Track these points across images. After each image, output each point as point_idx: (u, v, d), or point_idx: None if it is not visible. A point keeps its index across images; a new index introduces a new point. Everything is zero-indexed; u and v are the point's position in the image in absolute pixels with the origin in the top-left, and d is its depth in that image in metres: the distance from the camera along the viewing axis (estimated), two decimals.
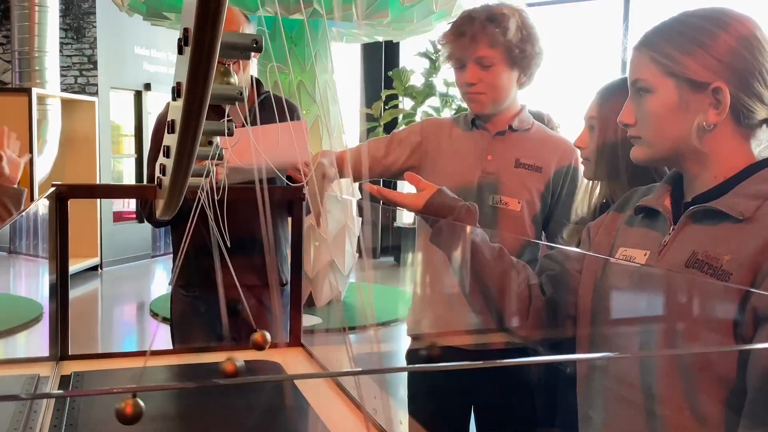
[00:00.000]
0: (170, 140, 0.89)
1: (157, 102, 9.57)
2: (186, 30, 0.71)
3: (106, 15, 8.78)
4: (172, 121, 0.85)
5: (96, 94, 8.96)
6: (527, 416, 2.02)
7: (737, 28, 1.16)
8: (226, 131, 0.96)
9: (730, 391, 1.08)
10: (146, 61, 9.59)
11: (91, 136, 8.66)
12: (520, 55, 1.95)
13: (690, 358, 1.14)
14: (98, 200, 8.09)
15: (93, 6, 8.99)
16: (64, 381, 1.57)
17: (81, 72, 9.12)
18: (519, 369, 1.95)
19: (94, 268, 8.55)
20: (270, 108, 2.12)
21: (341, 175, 1.92)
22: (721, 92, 1.15)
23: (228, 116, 1.16)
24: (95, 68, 9.04)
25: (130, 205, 9.39)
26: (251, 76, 2.33)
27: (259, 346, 1.01)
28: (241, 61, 2.04)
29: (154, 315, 6.39)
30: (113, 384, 1.54)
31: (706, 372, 1.12)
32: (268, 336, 1.00)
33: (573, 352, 1.41)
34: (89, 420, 1.35)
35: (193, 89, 0.73)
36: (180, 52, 0.74)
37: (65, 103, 8.43)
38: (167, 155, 0.95)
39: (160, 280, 8.69)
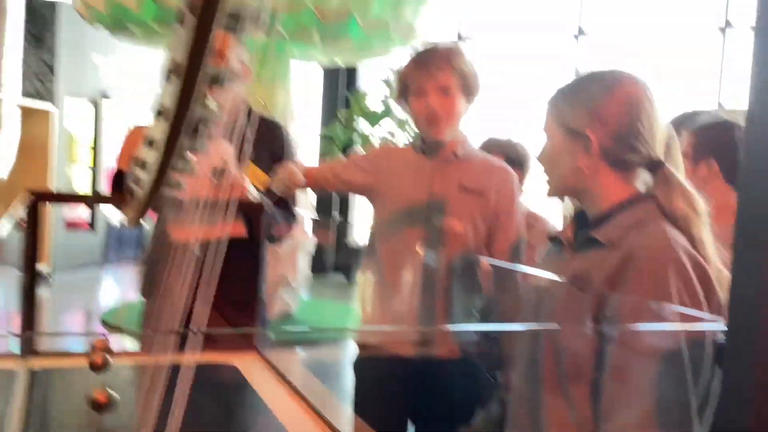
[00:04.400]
0: (148, 155, 0.99)
1: (115, 111, 9.55)
2: (173, 61, 0.83)
3: (68, 23, 8.76)
4: (152, 139, 0.96)
5: (53, 101, 8.91)
6: (462, 424, 2.13)
7: (619, 91, 1.37)
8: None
9: (592, 383, 1.29)
10: (104, 70, 9.56)
11: (46, 144, 8.60)
12: (473, 85, 2.12)
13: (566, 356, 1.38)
14: (50, 207, 8.00)
15: (54, 14, 8.96)
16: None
17: (39, 78, 9.07)
18: (455, 380, 2.07)
19: (44, 276, 8.46)
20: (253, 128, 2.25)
21: (304, 185, 2.17)
22: (589, 140, 1.36)
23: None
24: (53, 74, 9.00)
25: (81, 213, 9.33)
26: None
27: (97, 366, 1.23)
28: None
29: (106, 325, 6.39)
30: (78, 381, 1.62)
31: (573, 365, 1.34)
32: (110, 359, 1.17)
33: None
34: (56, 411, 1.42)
35: (179, 115, 0.85)
36: (167, 78, 0.85)
37: (22, 110, 8.37)
38: (144, 168, 1.05)
39: (110, 290, 8.64)
